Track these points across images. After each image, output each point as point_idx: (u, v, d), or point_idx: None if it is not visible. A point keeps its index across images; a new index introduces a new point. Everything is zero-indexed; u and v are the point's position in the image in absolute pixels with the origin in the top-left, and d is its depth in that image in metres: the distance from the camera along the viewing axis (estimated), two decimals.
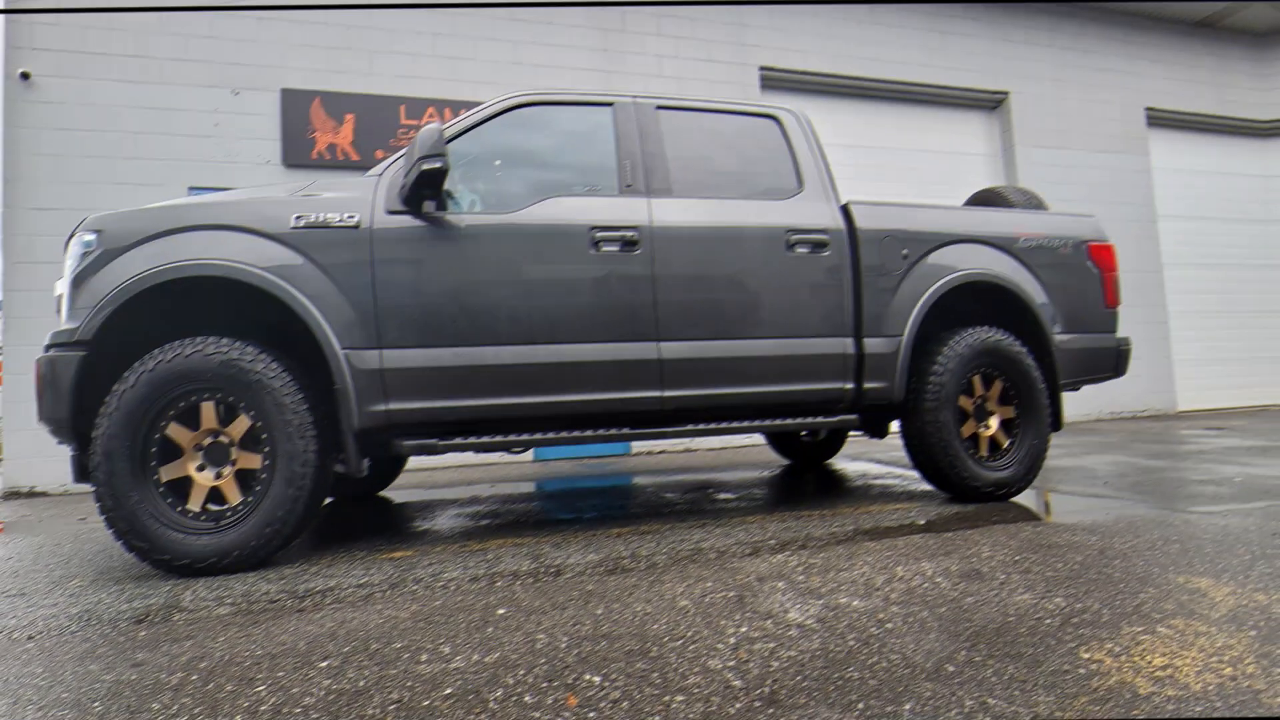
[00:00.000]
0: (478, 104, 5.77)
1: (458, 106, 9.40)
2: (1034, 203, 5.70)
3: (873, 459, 7.73)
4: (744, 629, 2.51)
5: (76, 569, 4.00)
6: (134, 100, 8.52)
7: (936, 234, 4.95)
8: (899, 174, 11.85)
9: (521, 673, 2.19)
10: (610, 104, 4.67)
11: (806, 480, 6.42)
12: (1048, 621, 2.49)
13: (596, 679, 2.13)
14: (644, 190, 4.47)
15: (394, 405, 3.91)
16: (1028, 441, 4.91)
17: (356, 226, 3.95)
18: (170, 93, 8.65)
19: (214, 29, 8.88)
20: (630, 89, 8.68)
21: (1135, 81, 13.50)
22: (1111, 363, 5.36)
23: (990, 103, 12.68)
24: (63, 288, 3.83)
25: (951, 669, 2.12)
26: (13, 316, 7.93)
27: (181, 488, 3.66)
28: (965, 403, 4.84)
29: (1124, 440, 8.78)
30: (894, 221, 4.90)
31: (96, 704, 2.09)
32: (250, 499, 3.69)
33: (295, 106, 9.00)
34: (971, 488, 4.73)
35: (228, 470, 3.72)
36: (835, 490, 5.70)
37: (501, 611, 2.83)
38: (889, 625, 2.51)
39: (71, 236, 3.89)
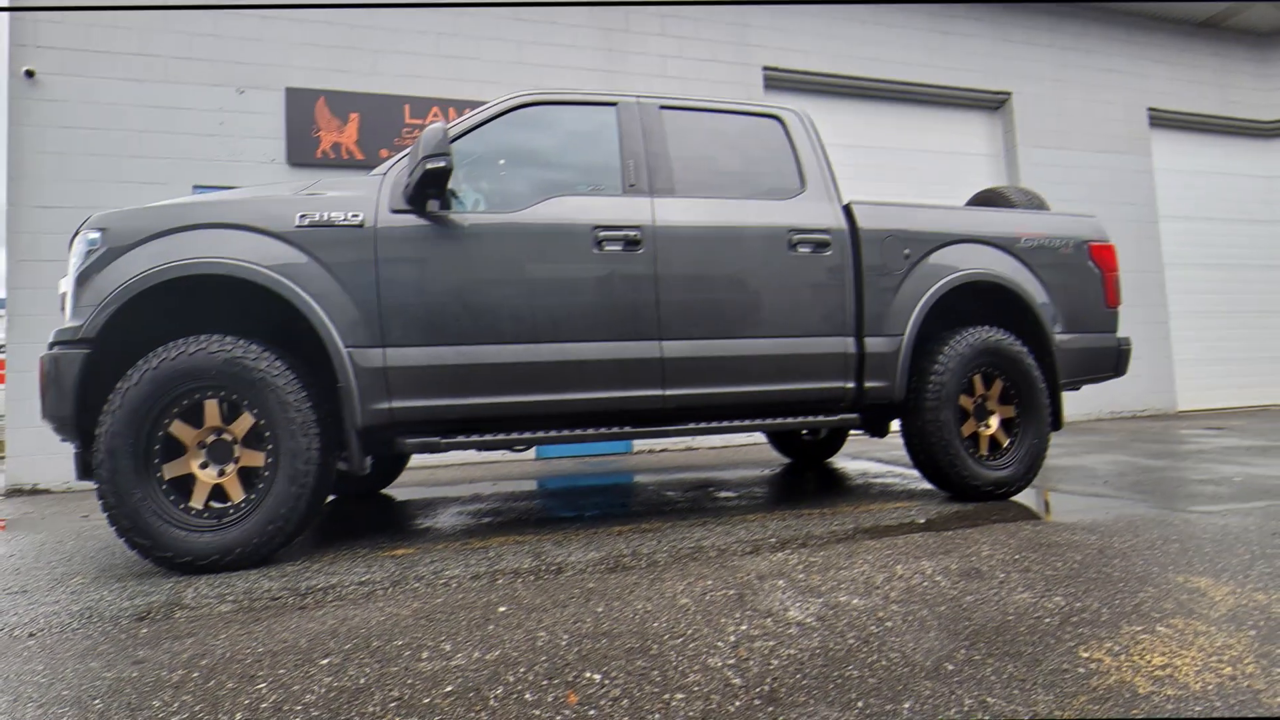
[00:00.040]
0: (481, 103, 5.79)
1: (461, 106, 9.42)
2: (1035, 203, 5.70)
3: (873, 458, 7.74)
4: (744, 627, 2.52)
5: (78, 566, 4.01)
6: (138, 98, 8.54)
7: (938, 234, 4.96)
8: (900, 174, 11.86)
9: (522, 670, 2.20)
10: (614, 104, 4.68)
11: (807, 479, 6.43)
12: (1047, 620, 2.49)
13: (597, 677, 2.14)
14: (647, 190, 4.48)
15: (397, 403, 3.92)
16: (1028, 441, 4.92)
17: (361, 225, 3.96)
18: (175, 91, 8.67)
19: (218, 28, 8.89)
20: (633, 89, 8.70)
21: (1138, 82, 13.49)
22: (1112, 362, 5.37)
23: (992, 103, 12.67)
24: (67, 286, 3.84)
25: (951, 667, 2.13)
26: (16, 314, 7.95)
27: (184, 485, 3.67)
28: (966, 402, 4.84)
29: (1124, 440, 8.78)
30: (896, 221, 4.91)
31: (97, 701, 2.10)
32: (253, 496, 3.70)
33: (300, 105, 9.02)
34: (972, 486, 4.74)
35: (231, 468, 3.73)
36: (836, 489, 5.70)
37: (503, 609, 2.84)
38: (889, 624, 2.52)
39: (76, 234, 3.90)
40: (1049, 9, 12.92)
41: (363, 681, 2.16)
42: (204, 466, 3.69)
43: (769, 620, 2.58)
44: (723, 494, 5.66)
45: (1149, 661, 2.12)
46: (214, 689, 2.15)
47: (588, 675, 2.15)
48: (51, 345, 3.69)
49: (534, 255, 4.19)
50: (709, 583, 3.09)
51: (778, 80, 11.23)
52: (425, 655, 2.36)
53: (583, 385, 4.21)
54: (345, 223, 3.94)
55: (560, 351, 4.17)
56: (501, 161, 4.53)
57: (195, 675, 2.26)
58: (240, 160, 8.79)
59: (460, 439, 4.06)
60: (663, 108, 4.75)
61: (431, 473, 8.28)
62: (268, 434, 3.71)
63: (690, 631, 2.49)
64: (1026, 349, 4.96)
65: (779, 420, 4.61)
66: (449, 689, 2.09)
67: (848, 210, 4.86)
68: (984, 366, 4.86)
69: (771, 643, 2.36)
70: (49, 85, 8.29)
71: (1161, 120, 13.78)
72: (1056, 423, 5.04)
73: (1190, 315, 13.61)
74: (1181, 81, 13.83)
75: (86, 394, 3.64)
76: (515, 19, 9.95)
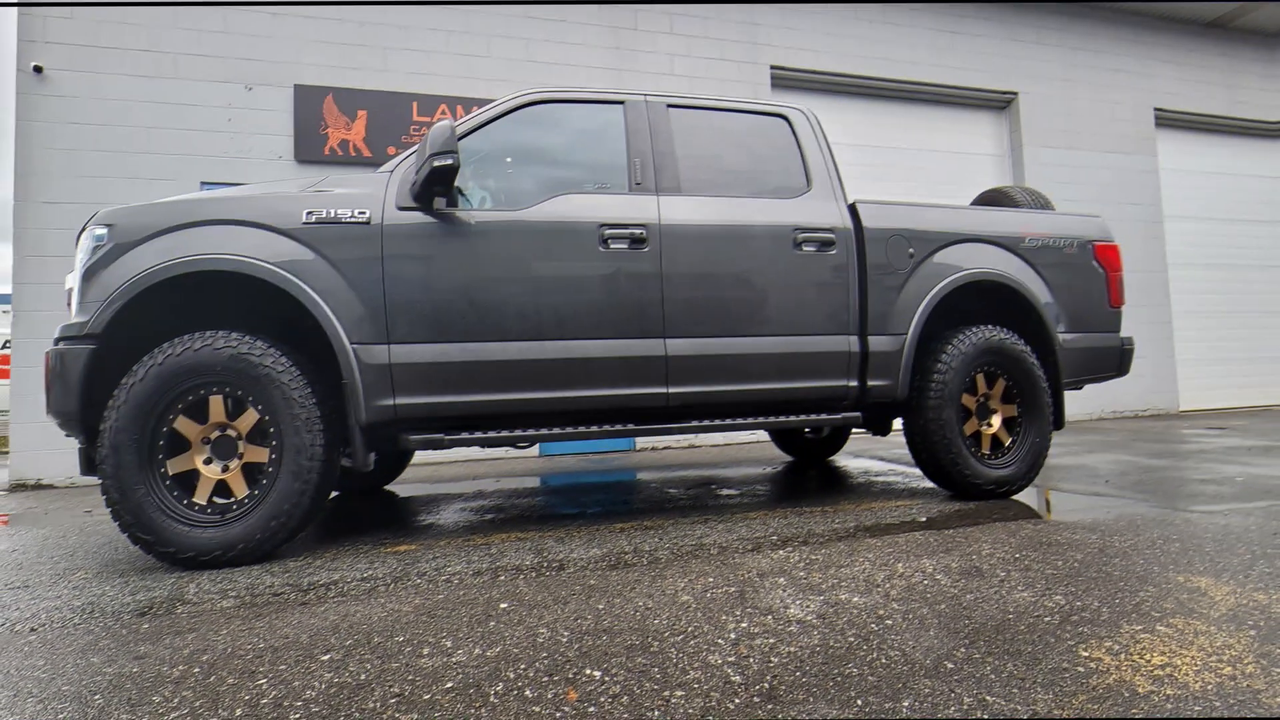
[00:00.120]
0: (490, 101, 5.80)
1: (469, 104, 9.43)
2: (1041, 203, 5.70)
3: (875, 456, 7.74)
4: (744, 624, 2.52)
5: (81, 561, 4.03)
6: (147, 95, 8.56)
7: (942, 233, 4.96)
8: (907, 174, 11.86)
9: (522, 667, 2.21)
10: (621, 102, 4.69)
11: (809, 477, 6.43)
12: (1047, 619, 2.50)
13: (597, 674, 2.14)
14: (653, 188, 4.48)
15: (401, 400, 3.93)
16: (1030, 439, 4.93)
17: (368, 222, 3.97)
18: (183, 88, 8.69)
19: (227, 24, 8.91)
20: (642, 87, 8.69)
21: (1145, 82, 13.46)
22: (1115, 362, 5.37)
23: (999, 103, 12.65)
24: (73, 281, 3.85)
25: (950, 666, 2.13)
26: (22, 310, 7.97)
27: (188, 481, 3.69)
28: (968, 400, 4.85)
29: (1125, 439, 8.76)
30: (900, 220, 4.91)
31: (97, 696, 2.11)
32: (256, 492, 3.71)
33: (308, 102, 9.03)
34: (973, 485, 4.75)
35: (235, 463, 3.74)
36: (837, 487, 5.70)
37: (504, 606, 2.85)
38: (889, 621, 2.52)
39: (83, 230, 3.92)
40: (1058, 9, 12.89)
41: (363, 677, 2.17)
42: (208, 462, 3.71)
43: (769, 618, 2.59)
44: (725, 492, 5.66)
45: (1149, 661, 2.13)
46: (214, 684, 2.16)
47: (588, 672, 2.15)
48: (57, 341, 3.70)
49: (540, 253, 4.19)
50: (710, 580, 3.09)
51: (785, 79, 11.23)
52: (426, 651, 2.37)
53: (587, 383, 4.22)
54: (352, 220, 3.95)
55: (565, 349, 4.18)
56: (508, 159, 4.54)
57: (196, 671, 2.28)
58: (248, 157, 8.81)
59: (464, 436, 4.07)
60: (670, 106, 4.75)
61: (435, 469, 8.30)
62: (272, 430, 3.72)
63: (691, 629, 2.50)
64: (1029, 348, 4.97)
65: (782, 419, 4.61)
66: (449, 685, 2.09)
67: (853, 209, 4.86)
68: (987, 365, 4.86)
69: (772, 640, 2.37)
70: (57, 81, 8.31)
71: (1167, 120, 13.75)
72: (1058, 422, 5.04)
73: (1193, 315, 13.60)
74: (1189, 82, 13.80)
75: (91, 389, 3.66)
76: (525, 17, 9.96)
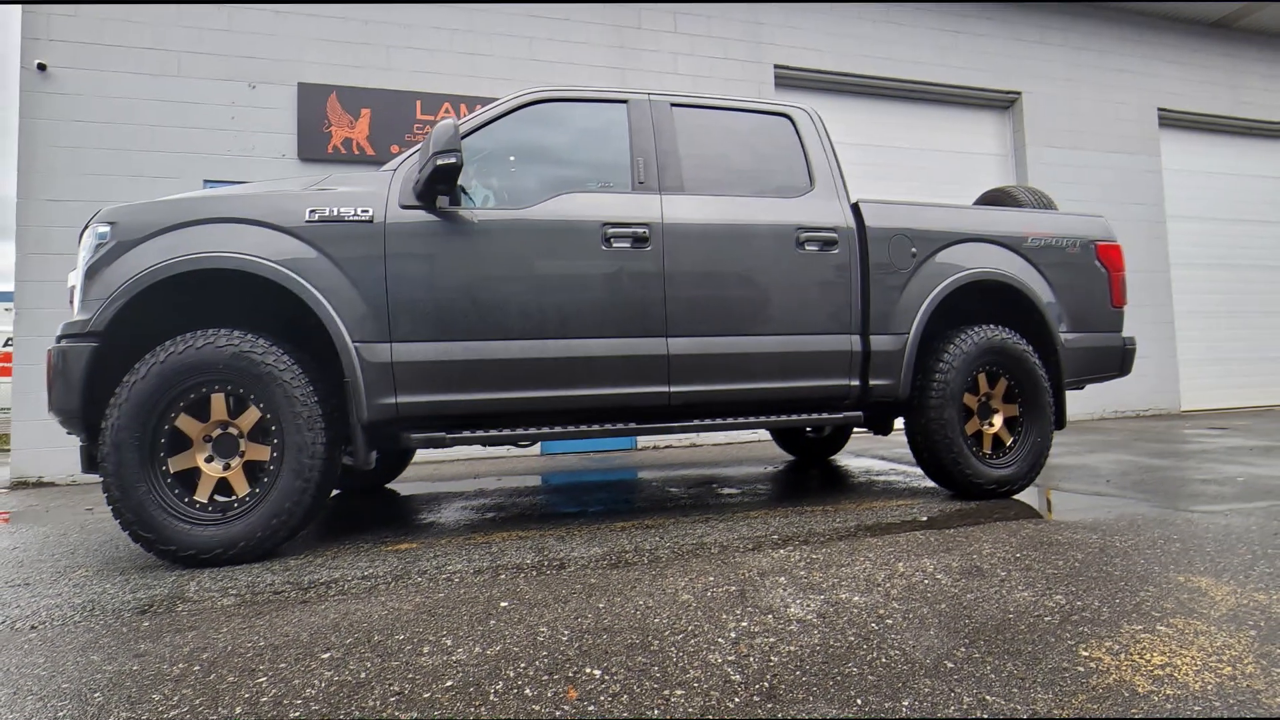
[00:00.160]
0: (493, 100, 5.79)
1: (473, 102, 9.43)
2: (1043, 203, 5.69)
3: (876, 455, 7.73)
4: (745, 623, 2.52)
5: (82, 559, 4.03)
6: (150, 93, 8.56)
7: (945, 233, 4.96)
8: (910, 173, 11.84)
9: (523, 665, 2.21)
10: (625, 101, 4.69)
11: (810, 476, 6.43)
12: (1047, 619, 2.50)
13: (597, 672, 2.14)
14: (656, 187, 4.48)
15: (403, 398, 3.93)
16: (1031, 439, 4.93)
17: (370, 221, 3.97)
18: (186, 86, 8.69)
19: (231, 22, 8.92)
20: (645, 86, 8.72)
21: (1148, 82, 13.43)
22: (1117, 362, 5.37)
23: (1002, 102, 12.63)
24: (75, 279, 3.86)
25: (951, 665, 2.13)
26: (25, 307, 7.98)
27: (189, 479, 3.69)
28: (970, 400, 4.85)
29: (1127, 439, 8.75)
30: (903, 220, 4.91)
31: (97, 694, 2.12)
32: (258, 490, 3.72)
33: (311, 100, 9.03)
34: (974, 485, 4.75)
35: (236, 462, 3.74)
36: (838, 486, 5.70)
37: (504, 604, 2.85)
38: (889, 621, 2.52)
39: (85, 228, 3.92)
40: (1061, 9, 12.87)
41: (363, 676, 2.17)
42: (209, 460, 3.71)
43: (770, 617, 2.59)
44: (726, 491, 5.66)
45: (1149, 661, 2.13)
46: (214, 682, 2.17)
47: (588, 671, 2.16)
48: (59, 338, 3.70)
49: (542, 252, 4.19)
50: (711, 579, 3.10)
51: (789, 79, 11.22)
52: (426, 650, 2.37)
53: (589, 381, 4.22)
54: (355, 218, 3.95)
55: (567, 348, 4.18)
56: (511, 158, 4.54)
57: (196, 669, 2.28)
58: (251, 155, 8.81)
59: (466, 434, 4.07)
60: (673, 105, 4.75)
61: (436, 468, 8.30)
62: (273, 428, 3.72)
63: (691, 628, 2.50)
64: (1031, 348, 4.96)
65: (784, 418, 4.61)
66: (449, 684, 2.10)
67: (856, 209, 4.86)
68: (989, 365, 4.86)
69: (772, 639, 2.37)
70: (61, 79, 8.32)
71: (1171, 120, 13.72)
72: (1060, 421, 5.04)
73: (1196, 315, 13.57)
74: (1192, 82, 13.77)
75: (93, 387, 3.66)
76: (529, 16, 9.95)
